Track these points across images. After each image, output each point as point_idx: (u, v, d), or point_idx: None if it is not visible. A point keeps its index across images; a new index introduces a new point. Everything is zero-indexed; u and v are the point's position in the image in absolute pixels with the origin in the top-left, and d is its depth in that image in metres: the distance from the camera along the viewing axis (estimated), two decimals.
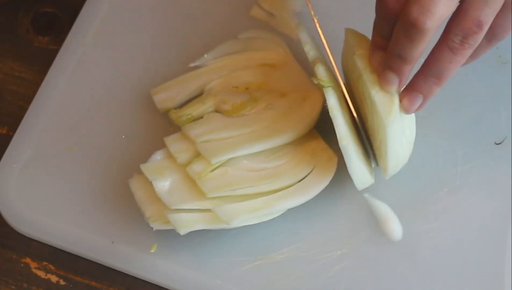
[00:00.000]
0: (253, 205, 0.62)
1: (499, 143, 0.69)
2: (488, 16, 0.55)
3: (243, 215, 0.62)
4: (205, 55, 0.72)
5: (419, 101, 0.59)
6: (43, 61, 0.74)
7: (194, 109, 0.69)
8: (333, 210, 0.66)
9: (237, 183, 0.64)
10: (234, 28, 0.73)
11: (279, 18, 0.75)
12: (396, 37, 0.56)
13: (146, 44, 0.74)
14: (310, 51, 0.64)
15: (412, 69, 0.58)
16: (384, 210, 0.66)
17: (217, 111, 0.69)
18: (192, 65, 0.72)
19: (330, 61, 0.64)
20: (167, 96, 0.70)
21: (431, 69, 0.58)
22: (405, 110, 0.60)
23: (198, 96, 0.71)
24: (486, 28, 0.55)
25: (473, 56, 0.59)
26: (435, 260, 0.64)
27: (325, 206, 0.66)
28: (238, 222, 0.61)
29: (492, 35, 0.58)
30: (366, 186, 0.64)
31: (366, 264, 0.64)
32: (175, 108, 0.70)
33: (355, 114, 0.64)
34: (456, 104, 0.71)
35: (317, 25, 0.65)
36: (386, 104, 0.59)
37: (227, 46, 0.72)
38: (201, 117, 0.68)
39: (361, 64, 0.60)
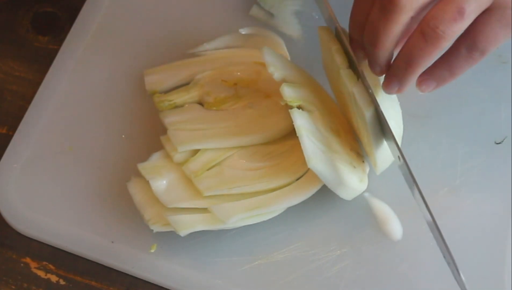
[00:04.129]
0: (250, 204, 0.63)
1: (499, 143, 0.69)
2: (471, 6, 0.51)
3: (239, 213, 0.62)
4: (205, 44, 0.72)
5: (396, 85, 0.57)
6: (43, 61, 0.74)
7: (178, 97, 0.69)
8: (333, 209, 0.66)
9: (233, 182, 0.64)
10: (233, 28, 0.73)
11: (279, 18, 0.75)
12: (371, 20, 0.54)
13: (146, 44, 0.74)
14: (274, 72, 0.63)
15: (387, 56, 0.56)
16: (384, 210, 0.66)
17: (200, 102, 0.69)
18: (190, 52, 0.72)
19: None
20: (157, 79, 0.71)
21: (402, 54, 0.55)
22: (385, 92, 0.58)
23: (187, 84, 0.71)
24: (466, 20, 0.51)
25: (452, 70, 0.55)
26: (435, 260, 0.64)
27: (325, 206, 0.66)
28: (234, 220, 0.62)
29: (472, 43, 0.54)
30: (356, 194, 0.64)
31: (366, 264, 0.64)
32: (162, 92, 0.70)
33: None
34: (456, 104, 0.71)
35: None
36: (365, 95, 0.58)
37: (227, 39, 0.73)
38: (182, 106, 0.69)
39: (339, 59, 0.60)
